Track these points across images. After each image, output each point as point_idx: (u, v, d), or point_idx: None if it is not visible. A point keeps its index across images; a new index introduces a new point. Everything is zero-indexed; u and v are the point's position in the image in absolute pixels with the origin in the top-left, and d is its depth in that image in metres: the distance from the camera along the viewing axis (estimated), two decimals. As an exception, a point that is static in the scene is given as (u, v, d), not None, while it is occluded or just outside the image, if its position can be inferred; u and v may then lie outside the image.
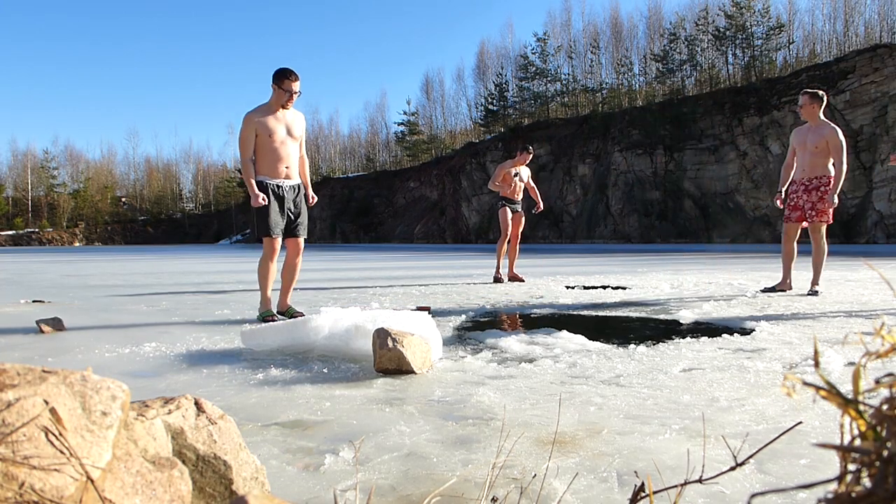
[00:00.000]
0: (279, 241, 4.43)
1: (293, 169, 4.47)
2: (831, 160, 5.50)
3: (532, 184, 7.99)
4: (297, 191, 4.53)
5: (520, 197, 7.89)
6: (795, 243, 5.80)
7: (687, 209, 35.07)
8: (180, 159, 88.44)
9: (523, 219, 7.97)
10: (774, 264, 11.56)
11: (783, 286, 5.79)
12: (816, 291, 5.52)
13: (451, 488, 1.34)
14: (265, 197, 4.29)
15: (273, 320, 4.14)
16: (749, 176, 33.09)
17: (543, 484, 1.31)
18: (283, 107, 4.35)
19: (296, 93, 4.32)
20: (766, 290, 5.82)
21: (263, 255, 4.44)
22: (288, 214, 4.45)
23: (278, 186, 4.41)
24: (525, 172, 7.89)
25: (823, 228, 5.56)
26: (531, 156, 7.79)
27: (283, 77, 4.28)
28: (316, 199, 4.71)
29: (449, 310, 4.80)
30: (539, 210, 7.97)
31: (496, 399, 2.12)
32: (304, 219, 4.56)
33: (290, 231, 4.50)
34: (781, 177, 5.86)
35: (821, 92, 5.62)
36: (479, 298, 5.67)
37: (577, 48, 49.29)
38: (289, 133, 4.41)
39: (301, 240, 4.57)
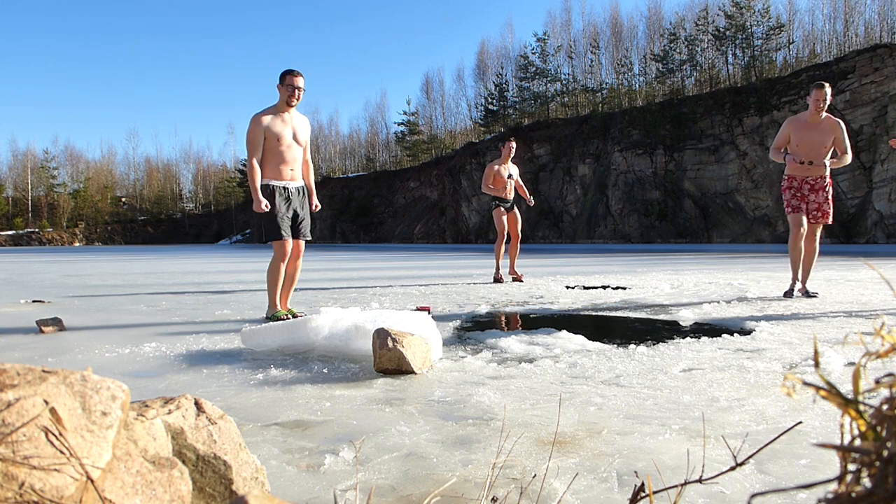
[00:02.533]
0: (290, 242, 4.46)
1: (297, 172, 4.56)
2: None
3: (519, 181, 7.97)
4: (301, 193, 4.58)
5: (512, 195, 7.87)
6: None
7: (687, 209, 35.08)
8: (180, 159, 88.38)
9: (519, 216, 7.97)
10: (774, 264, 11.56)
11: (795, 285, 5.43)
12: (810, 293, 5.38)
13: (451, 488, 1.34)
14: (268, 203, 4.32)
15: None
16: (749, 176, 33.10)
17: (543, 484, 1.31)
18: (289, 104, 4.40)
19: (298, 87, 4.38)
20: (788, 295, 5.37)
21: (274, 258, 4.47)
22: (291, 216, 4.49)
23: (285, 189, 4.46)
24: (514, 170, 7.88)
25: (820, 229, 5.44)
26: (513, 144, 7.77)
27: (285, 74, 4.38)
28: (319, 206, 4.77)
29: (449, 310, 4.80)
30: (531, 203, 7.96)
31: (496, 399, 2.12)
32: (307, 221, 4.61)
33: (293, 233, 4.53)
34: (775, 155, 5.44)
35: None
36: (479, 298, 5.67)
37: (577, 48, 49.31)
38: (295, 137, 4.48)
39: (302, 242, 4.60)
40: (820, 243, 5.50)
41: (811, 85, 5.31)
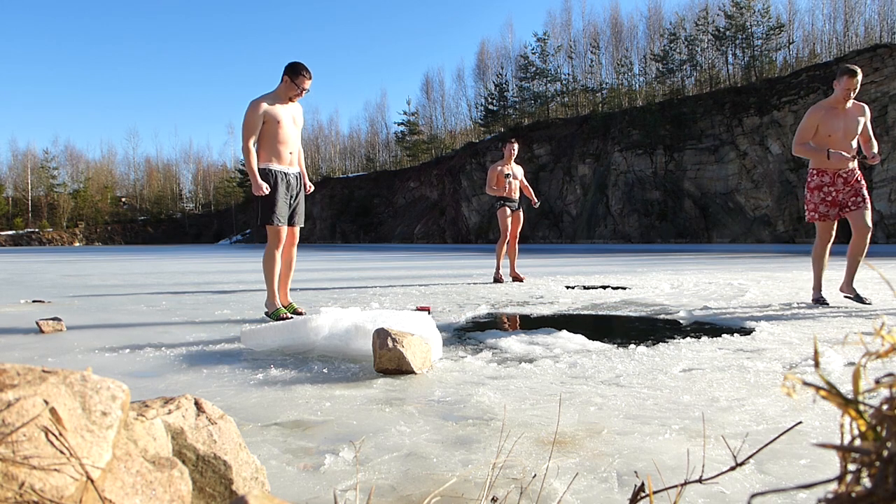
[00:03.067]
0: (285, 229, 4.45)
1: (296, 156, 4.54)
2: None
3: (525, 182, 7.99)
4: (298, 180, 4.58)
5: (517, 195, 7.90)
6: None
7: (687, 209, 35.08)
8: (180, 159, 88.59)
9: (522, 217, 8.00)
10: (774, 264, 11.56)
11: (821, 294, 4.92)
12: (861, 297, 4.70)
13: (451, 488, 1.34)
14: (268, 186, 4.29)
15: (287, 318, 4.14)
16: (749, 176, 33.10)
17: (543, 484, 1.31)
18: (290, 99, 4.41)
19: (306, 90, 4.39)
20: (819, 302, 4.84)
21: (269, 246, 4.43)
22: (289, 203, 4.48)
23: (285, 174, 4.44)
24: (518, 171, 7.91)
25: (870, 214, 4.74)
26: (516, 145, 7.78)
27: (297, 73, 4.33)
28: (313, 187, 4.75)
29: (449, 310, 4.80)
30: (536, 205, 7.98)
31: (496, 399, 2.12)
32: (301, 208, 4.61)
33: (288, 220, 4.53)
34: (805, 150, 4.75)
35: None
36: (479, 298, 5.67)
37: (577, 48, 49.34)
38: (293, 122, 4.48)
39: (297, 229, 4.60)
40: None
41: (839, 69, 4.68)
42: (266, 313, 4.44)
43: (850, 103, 4.69)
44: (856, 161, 4.73)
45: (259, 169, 4.32)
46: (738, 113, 34.31)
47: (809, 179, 4.86)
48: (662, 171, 36.54)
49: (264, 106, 4.29)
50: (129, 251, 32.84)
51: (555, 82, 49.19)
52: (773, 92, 33.43)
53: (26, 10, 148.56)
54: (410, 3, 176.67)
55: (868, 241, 4.67)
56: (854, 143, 4.74)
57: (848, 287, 4.75)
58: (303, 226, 4.65)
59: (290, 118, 4.43)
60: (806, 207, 4.89)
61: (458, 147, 51.65)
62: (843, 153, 4.59)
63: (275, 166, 4.38)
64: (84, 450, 0.83)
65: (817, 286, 4.90)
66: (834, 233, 4.83)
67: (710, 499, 1.28)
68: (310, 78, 4.36)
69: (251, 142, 4.30)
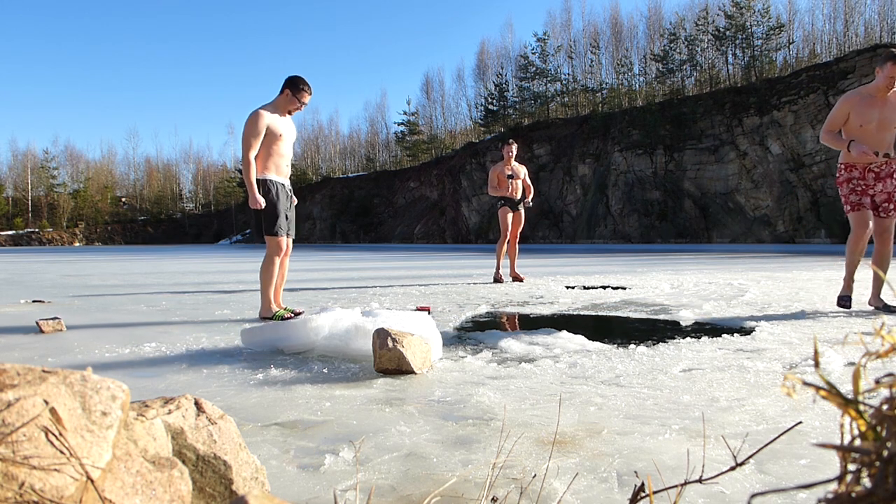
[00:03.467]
0: (286, 239, 4.48)
1: (290, 169, 4.63)
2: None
3: (528, 181, 8.00)
4: (292, 191, 4.65)
5: (519, 195, 7.91)
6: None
7: (687, 209, 35.08)
8: (180, 159, 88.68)
9: (523, 217, 7.99)
10: (774, 264, 11.56)
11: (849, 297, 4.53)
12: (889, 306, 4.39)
13: (451, 488, 1.34)
14: (265, 200, 4.32)
15: (290, 318, 4.17)
16: (749, 176, 33.10)
17: (543, 484, 1.31)
18: (289, 112, 4.47)
19: (305, 104, 4.45)
20: (843, 301, 4.49)
21: (269, 255, 4.44)
22: (287, 213, 4.53)
23: (283, 185, 4.49)
24: (522, 170, 7.91)
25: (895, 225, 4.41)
26: (514, 146, 7.79)
27: (298, 87, 4.37)
28: (296, 200, 4.80)
29: (449, 310, 4.80)
30: (527, 204, 7.96)
31: (496, 399, 2.12)
32: (294, 219, 4.68)
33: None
34: (830, 139, 4.44)
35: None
36: (479, 298, 5.67)
37: (577, 48, 49.38)
38: (290, 136, 4.55)
39: (291, 240, 4.64)
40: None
41: (883, 54, 4.24)
42: (260, 317, 4.44)
43: (891, 93, 4.30)
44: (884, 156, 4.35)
45: (258, 179, 4.35)
46: (738, 113, 34.31)
47: (838, 175, 4.53)
48: (662, 171, 36.54)
49: (267, 118, 4.33)
50: (129, 251, 32.84)
51: (555, 82, 49.22)
52: (773, 92, 33.44)
53: (26, 10, 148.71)
54: (410, 3, 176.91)
55: (890, 248, 4.36)
56: (890, 138, 4.34)
57: (875, 299, 4.43)
58: (294, 237, 4.71)
59: (289, 133, 4.50)
60: (843, 204, 4.53)
61: (458, 147, 51.68)
62: (865, 148, 4.19)
63: (273, 177, 4.42)
64: (84, 450, 0.83)
65: (847, 284, 4.48)
66: (871, 224, 4.35)
67: (710, 499, 1.28)
68: (310, 93, 4.41)
69: (252, 154, 4.30)
